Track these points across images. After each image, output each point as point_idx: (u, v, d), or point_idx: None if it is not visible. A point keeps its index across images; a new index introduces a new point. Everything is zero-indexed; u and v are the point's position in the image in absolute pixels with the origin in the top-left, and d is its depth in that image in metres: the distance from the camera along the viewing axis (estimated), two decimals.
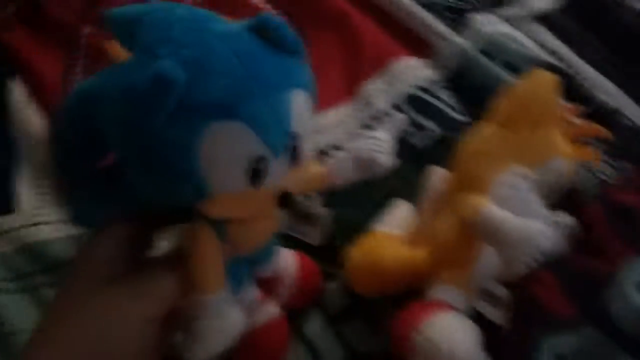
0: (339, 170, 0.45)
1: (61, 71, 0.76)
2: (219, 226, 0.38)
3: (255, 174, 0.34)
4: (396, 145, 0.48)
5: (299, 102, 0.35)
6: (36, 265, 0.58)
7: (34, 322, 0.52)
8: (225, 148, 0.33)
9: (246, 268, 0.47)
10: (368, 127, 0.67)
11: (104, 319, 0.35)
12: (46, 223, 0.60)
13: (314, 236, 0.57)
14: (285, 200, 0.37)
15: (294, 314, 0.53)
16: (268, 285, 0.50)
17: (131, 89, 0.32)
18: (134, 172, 0.35)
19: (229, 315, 0.39)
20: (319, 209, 0.55)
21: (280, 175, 0.36)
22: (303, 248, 0.55)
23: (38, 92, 0.72)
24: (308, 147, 0.38)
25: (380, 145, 0.46)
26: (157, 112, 0.31)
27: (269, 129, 0.33)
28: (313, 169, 0.44)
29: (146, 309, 0.36)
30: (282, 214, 0.44)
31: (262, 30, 0.35)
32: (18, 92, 0.71)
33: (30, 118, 0.69)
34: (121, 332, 0.36)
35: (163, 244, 0.55)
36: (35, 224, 0.60)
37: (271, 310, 0.49)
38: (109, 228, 0.38)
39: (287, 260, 0.52)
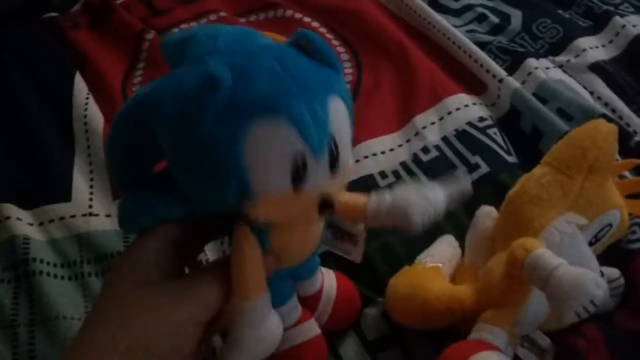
0: (375, 211, 0.43)
1: (122, 72, 0.78)
2: (262, 233, 0.39)
3: (297, 173, 0.35)
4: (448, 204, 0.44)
5: (336, 108, 0.37)
6: (85, 254, 0.59)
7: (77, 309, 0.55)
8: (269, 145, 0.34)
9: (290, 284, 0.47)
10: (418, 158, 0.68)
11: (150, 321, 0.36)
12: (98, 215, 0.62)
13: (355, 255, 0.57)
14: (326, 206, 0.38)
15: (331, 335, 0.53)
16: (308, 303, 0.51)
17: (182, 90, 0.34)
18: (182, 173, 0.36)
19: (267, 324, 0.40)
20: (360, 228, 0.56)
21: (321, 180, 0.37)
22: (345, 270, 0.56)
23: (98, 90, 0.75)
24: (348, 158, 0.39)
25: (423, 204, 0.42)
26: (206, 110, 0.33)
27: (309, 128, 0.35)
28: (357, 199, 0.44)
29: (193, 314, 0.37)
30: (323, 231, 0.45)
31: (301, 43, 0.38)
32: (79, 87, 0.74)
33: (90, 113, 0.71)
34: (167, 335, 0.36)
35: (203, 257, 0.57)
36: (88, 215, 0.62)
37: (312, 329, 0.49)
38: (156, 231, 0.39)
39: (328, 279, 0.53)
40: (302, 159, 0.35)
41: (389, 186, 0.64)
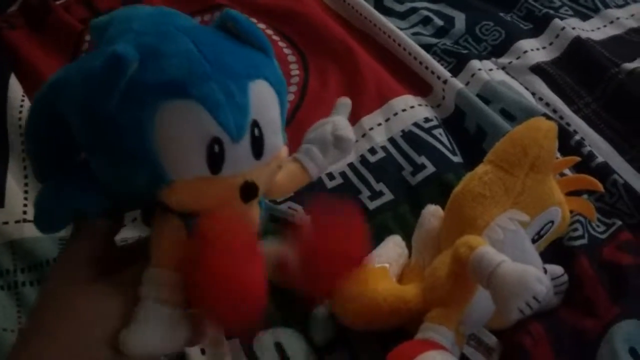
0: (312, 160, 0.44)
1: None
2: (189, 221, 0.36)
3: (213, 158, 0.34)
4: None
5: (260, 91, 0.36)
6: (19, 262, 0.57)
7: (10, 320, 0.52)
8: (179, 128, 0.33)
9: None
10: (365, 159, 0.68)
11: (85, 319, 0.34)
12: (32, 221, 0.59)
13: None
14: (249, 191, 0.36)
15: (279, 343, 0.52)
16: None
17: (87, 71, 0.33)
18: (93, 158, 0.35)
19: (173, 312, 0.35)
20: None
21: (243, 166, 0.35)
22: None
23: (34, 93, 0.71)
24: (278, 143, 0.38)
25: (338, 125, 0.45)
26: (110, 91, 0.32)
27: (223, 110, 0.33)
28: (288, 167, 0.43)
29: (123, 310, 0.35)
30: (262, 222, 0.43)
31: (227, 25, 0.36)
32: (14, 89, 0.71)
33: (25, 115, 0.68)
34: (103, 331, 0.34)
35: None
36: (22, 221, 0.59)
37: None
38: (86, 229, 0.38)
39: None
40: (218, 143, 0.34)
41: (337, 188, 0.65)
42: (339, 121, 0.46)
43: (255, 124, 0.35)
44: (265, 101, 0.36)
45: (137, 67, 0.32)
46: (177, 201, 0.35)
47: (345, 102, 0.50)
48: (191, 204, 0.35)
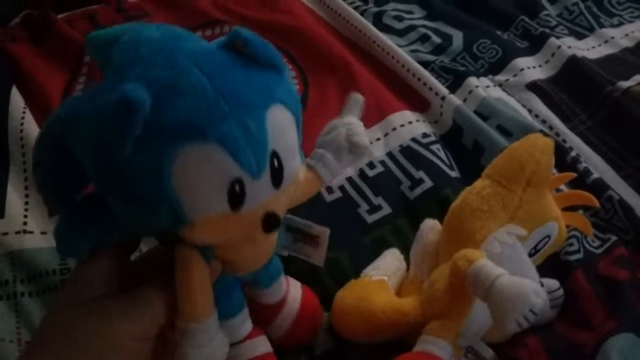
0: (326, 166, 0.44)
1: (62, 87, 0.76)
2: (206, 251, 0.37)
3: (234, 197, 0.33)
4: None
5: (277, 118, 0.35)
6: (18, 273, 0.57)
7: (9, 330, 0.52)
8: (198, 172, 0.32)
9: (240, 294, 0.44)
10: (364, 173, 0.68)
11: (92, 339, 0.34)
12: (33, 232, 0.60)
13: (317, 258, 0.55)
14: (271, 222, 0.35)
15: (281, 352, 0.52)
16: (267, 314, 0.49)
17: (99, 114, 0.31)
18: (109, 197, 0.34)
19: (213, 342, 0.38)
20: (318, 227, 0.53)
21: (264, 198, 0.35)
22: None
23: (36, 105, 0.72)
24: (296, 167, 0.37)
25: (353, 130, 0.45)
26: (124, 138, 0.30)
27: (243, 150, 0.32)
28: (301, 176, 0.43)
29: (137, 328, 0.36)
30: (283, 234, 0.43)
31: (234, 45, 0.34)
32: (15, 101, 0.71)
33: (27, 127, 0.68)
34: (112, 352, 0.35)
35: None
36: (22, 232, 0.59)
37: (263, 345, 0.47)
38: (95, 251, 0.38)
39: (294, 292, 0.50)
40: (239, 182, 0.33)
41: (336, 201, 0.65)
42: (353, 126, 0.45)
43: (274, 154, 0.35)
44: (283, 127, 0.35)
45: (151, 108, 0.31)
46: (198, 238, 0.35)
47: (357, 98, 0.48)
48: (212, 240, 0.36)
